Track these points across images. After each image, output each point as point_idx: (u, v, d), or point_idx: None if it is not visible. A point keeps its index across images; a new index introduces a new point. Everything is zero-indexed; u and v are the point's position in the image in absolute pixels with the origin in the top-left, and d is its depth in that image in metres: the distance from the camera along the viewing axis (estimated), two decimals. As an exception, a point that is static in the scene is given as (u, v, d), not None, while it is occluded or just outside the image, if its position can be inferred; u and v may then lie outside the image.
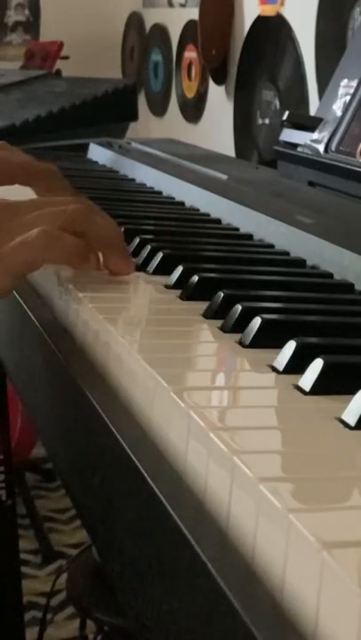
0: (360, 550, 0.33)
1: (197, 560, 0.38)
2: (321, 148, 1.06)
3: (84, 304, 0.63)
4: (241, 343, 0.57)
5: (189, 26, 3.23)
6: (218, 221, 0.93)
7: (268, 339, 0.56)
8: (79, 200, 0.69)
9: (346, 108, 1.05)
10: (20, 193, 0.91)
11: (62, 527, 2.37)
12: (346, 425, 0.45)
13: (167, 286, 0.69)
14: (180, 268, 0.70)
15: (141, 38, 3.71)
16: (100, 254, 0.69)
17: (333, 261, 0.73)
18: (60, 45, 3.35)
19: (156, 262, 0.73)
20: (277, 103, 2.57)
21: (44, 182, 0.93)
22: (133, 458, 0.46)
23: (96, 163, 1.34)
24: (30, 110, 2.36)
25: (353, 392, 0.46)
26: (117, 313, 0.62)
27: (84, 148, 1.42)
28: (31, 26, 3.93)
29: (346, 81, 1.08)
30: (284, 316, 0.60)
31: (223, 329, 0.60)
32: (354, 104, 1.04)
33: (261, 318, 0.57)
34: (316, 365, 0.49)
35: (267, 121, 2.64)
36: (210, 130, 3.10)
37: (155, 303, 0.66)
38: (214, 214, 0.95)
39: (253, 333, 0.56)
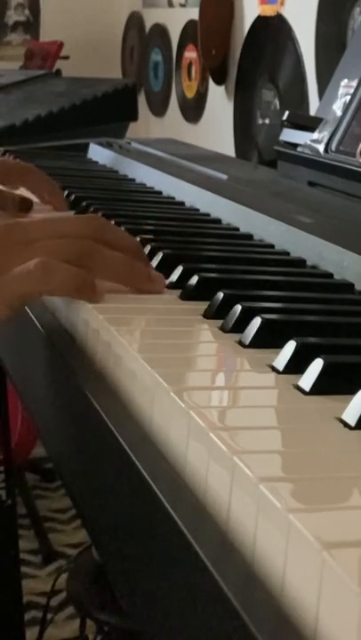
0: (360, 550, 0.33)
1: (197, 560, 0.38)
2: (321, 148, 1.06)
3: (84, 304, 0.63)
4: (241, 343, 0.57)
5: (189, 26, 3.23)
6: (218, 221, 0.93)
7: (268, 339, 0.56)
8: (92, 219, 0.67)
9: (346, 108, 1.05)
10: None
11: (62, 527, 2.37)
12: (346, 425, 0.45)
13: (167, 286, 0.69)
14: (180, 268, 0.70)
15: (141, 38, 3.71)
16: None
17: (333, 261, 0.73)
18: (60, 45, 3.35)
19: (157, 262, 0.73)
20: (277, 103, 2.57)
21: (28, 180, 0.94)
22: (133, 458, 0.46)
23: (96, 163, 1.34)
24: (30, 110, 2.36)
25: (353, 392, 0.46)
26: (117, 313, 0.62)
27: (84, 147, 1.42)
28: (31, 26, 3.94)
29: (346, 81, 1.08)
30: (284, 315, 0.60)
31: (223, 329, 0.60)
32: (354, 104, 1.04)
33: (261, 318, 0.57)
34: (316, 365, 0.49)
35: (267, 121, 2.64)
36: (210, 130, 3.10)
37: (155, 303, 0.66)
38: (214, 214, 0.95)
39: (253, 333, 0.56)
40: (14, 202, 0.89)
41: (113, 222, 0.82)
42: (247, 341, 0.56)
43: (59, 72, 3.09)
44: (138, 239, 0.78)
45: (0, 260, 0.61)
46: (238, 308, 0.60)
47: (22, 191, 0.95)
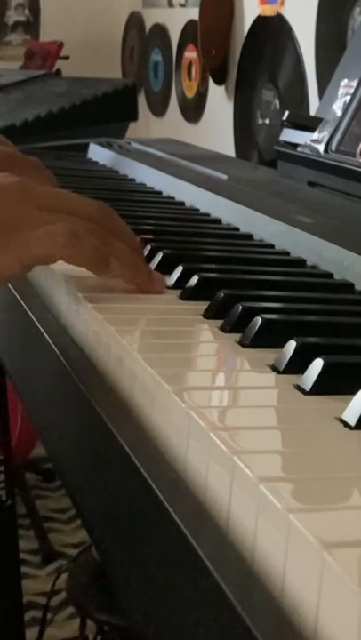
0: (360, 550, 0.33)
1: (197, 560, 0.38)
2: (321, 148, 1.06)
3: (84, 304, 0.63)
4: (241, 343, 0.57)
5: (189, 26, 3.23)
6: (218, 221, 0.93)
7: (268, 339, 0.56)
8: (102, 207, 0.67)
9: (346, 108, 1.05)
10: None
11: (62, 527, 2.37)
12: (346, 425, 0.45)
13: (167, 286, 0.69)
14: (180, 268, 0.70)
15: (141, 38, 3.71)
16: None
17: (333, 261, 0.73)
18: (60, 45, 3.35)
19: (157, 262, 0.73)
20: (277, 103, 2.57)
21: (30, 173, 0.94)
22: (133, 458, 0.46)
23: (96, 163, 1.34)
24: (30, 110, 2.36)
25: (353, 392, 0.46)
26: (117, 313, 0.62)
27: (84, 147, 1.42)
28: (31, 26, 3.93)
29: (346, 81, 1.08)
30: (284, 315, 0.60)
31: (223, 329, 0.60)
32: (354, 104, 1.04)
33: (261, 318, 0.57)
34: (317, 365, 0.49)
35: (267, 121, 2.64)
36: (210, 130, 3.10)
37: (155, 303, 0.66)
38: (214, 214, 0.95)
39: (253, 333, 0.56)
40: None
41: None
42: (247, 341, 0.56)
43: (59, 72, 3.09)
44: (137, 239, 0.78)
45: (14, 217, 0.61)
46: (238, 307, 0.60)
47: None
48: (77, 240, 0.61)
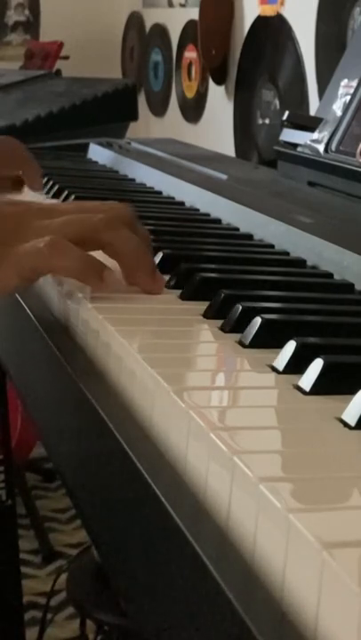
0: (360, 550, 0.33)
1: (197, 560, 0.38)
2: (321, 148, 1.06)
3: (83, 304, 0.63)
4: (241, 343, 0.57)
5: (189, 26, 3.23)
6: (218, 221, 0.93)
7: (268, 339, 0.56)
8: (116, 207, 0.68)
9: (346, 108, 1.05)
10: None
11: (62, 527, 2.37)
12: (346, 425, 0.45)
13: (167, 286, 0.69)
14: (180, 268, 0.70)
15: (141, 38, 3.71)
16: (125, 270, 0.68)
17: (333, 261, 0.73)
18: (60, 45, 3.35)
19: (157, 262, 0.73)
20: (277, 103, 2.57)
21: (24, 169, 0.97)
22: (133, 458, 0.46)
23: (96, 163, 1.34)
24: (30, 110, 2.36)
25: (353, 392, 0.46)
26: (117, 313, 0.62)
27: (84, 147, 1.42)
28: (31, 26, 3.93)
29: (346, 81, 1.08)
30: (284, 315, 0.60)
31: (223, 329, 0.60)
32: (354, 104, 1.04)
33: (261, 318, 0.57)
34: (316, 365, 0.49)
35: (267, 121, 2.64)
36: (210, 130, 3.10)
37: (155, 303, 0.66)
38: (214, 214, 0.95)
39: (253, 333, 0.56)
40: (9, 180, 0.93)
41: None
42: (247, 341, 0.56)
43: (59, 72, 3.09)
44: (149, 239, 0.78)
45: (19, 234, 0.63)
46: (238, 308, 0.60)
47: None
48: (58, 253, 0.62)
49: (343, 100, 1.07)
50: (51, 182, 1.09)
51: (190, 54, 3.25)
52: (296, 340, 0.53)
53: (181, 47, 3.33)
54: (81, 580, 1.43)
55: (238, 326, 0.58)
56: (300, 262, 0.77)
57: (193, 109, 3.26)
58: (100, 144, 1.40)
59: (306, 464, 0.41)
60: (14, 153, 0.99)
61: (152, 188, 1.12)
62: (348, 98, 1.05)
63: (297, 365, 0.51)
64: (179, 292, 0.67)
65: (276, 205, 0.90)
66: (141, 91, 3.52)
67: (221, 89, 3.00)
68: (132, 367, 0.53)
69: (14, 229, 0.64)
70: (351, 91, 1.06)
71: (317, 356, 0.50)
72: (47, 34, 3.77)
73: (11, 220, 0.65)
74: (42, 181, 1.05)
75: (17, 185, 0.99)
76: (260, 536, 0.37)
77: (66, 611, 1.94)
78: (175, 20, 3.38)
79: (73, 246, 0.63)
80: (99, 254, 0.66)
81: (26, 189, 1.00)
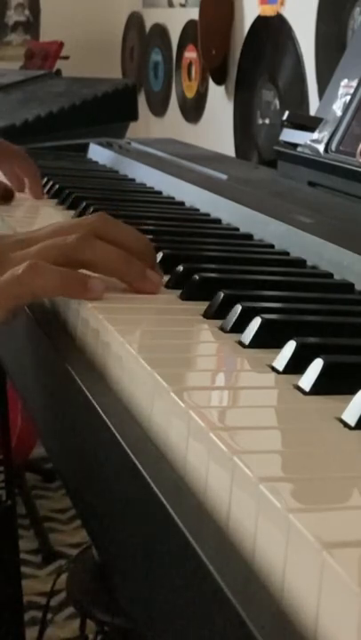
0: (360, 550, 0.33)
1: (197, 560, 0.38)
2: (321, 148, 1.06)
3: (84, 304, 0.63)
4: (241, 343, 0.57)
5: (189, 26, 3.23)
6: (218, 221, 0.93)
7: (268, 339, 0.56)
8: (87, 222, 0.67)
9: (346, 108, 1.05)
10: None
11: (62, 527, 2.37)
12: (346, 425, 0.45)
13: (167, 286, 0.69)
14: (180, 268, 0.70)
15: (141, 38, 3.71)
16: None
17: (333, 261, 0.73)
18: (60, 45, 3.35)
19: (157, 262, 0.73)
20: (277, 103, 2.57)
21: (14, 164, 0.97)
22: (133, 458, 0.46)
23: (96, 163, 1.34)
24: (30, 110, 2.36)
25: (353, 392, 0.46)
26: (117, 313, 0.62)
27: (84, 147, 1.42)
28: (31, 26, 3.93)
29: (346, 81, 1.08)
30: (284, 315, 0.60)
31: (223, 329, 0.60)
32: (354, 104, 1.04)
33: (261, 318, 0.57)
34: (316, 365, 0.49)
35: (267, 121, 2.64)
36: (210, 130, 3.10)
37: (155, 303, 0.66)
38: (214, 214, 0.95)
39: (253, 333, 0.56)
40: None
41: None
42: (247, 341, 0.56)
43: (59, 72, 3.09)
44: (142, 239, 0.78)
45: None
46: (238, 308, 0.60)
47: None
48: (38, 274, 0.62)
49: (343, 99, 1.07)
50: (51, 182, 1.09)
51: (190, 54, 3.25)
52: (296, 340, 0.53)
53: (181, 47, 3.33)
54: (81, 579, 1.43)
55: (238, 326, 0.58)
56: (300, 262, 0.77)
57: (193, 109, 3.26)
58: (100, 144, 1.40)
59: (306, 464, 0.41)
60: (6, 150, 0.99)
61: (152, 188, 1.12)
62: (348, 98, 1.05)
63: (297, 365, 0.51)
64: (179, 292, 0.67)
65: (276, 205, 0.90)
66: (141, 91, 3.52)
67: (221, 89, 3.00)
68: (132, 367, 0.53)
69: None
70: (351, 91, 1.06)
71: (317, 356, 0.50)
72: (47, 34, 3.77)
73: None
74: (41, 185, 1.05)
75: (6, 196, 0.98)
76: (260, 536, 0.37)
77: (66, 611, 1.94)
78: (175, 20, 3.38)
79: (50, 265, 0.63)
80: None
81: (15, 200, 1.00)
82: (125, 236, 0.67)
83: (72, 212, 0.96)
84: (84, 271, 0.65)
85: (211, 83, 3.07)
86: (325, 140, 1.05)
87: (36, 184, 1.03)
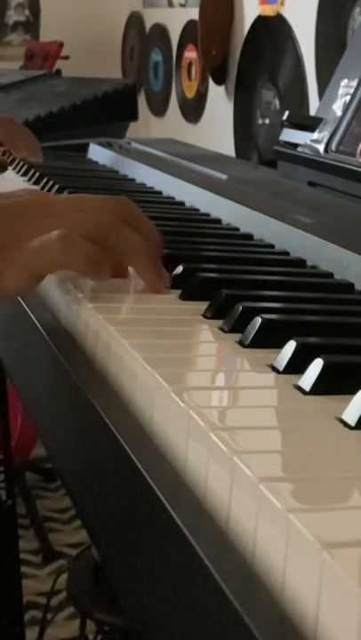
0: (360, 550, 0.33)
1: (197, 560, 0.38)
2: (321, 148, 1.06)
3: (84, 304, 0.63)
4: (241, 343, 0.57)
5: (189, 26, 3.23)
6: (218, 221, 0.93)
7: (268, 339, 0.56)
8: (120, 206, 0.67)
9: (346, 108, 1.05)
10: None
11: (62, 527, 2.37)
12: (346, 425, 0.45)
13: (167, 286, 0.69)
14: (180, 268, 0.70)
15: (141, 38, 3.71)
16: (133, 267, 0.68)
17: (333, 261, 0.73)
18: (60, 45, 3.35)
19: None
20: (277, 103, 2.57)
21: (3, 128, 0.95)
22: (133, 458, 0.46)
23: (96, 163, 1.34)
24: (30, 110, 2.36)
25: (353, 392, 0.46)
26: (117, 313, 0.62)
27: (84, 147, 1.42)
28: (31, 26, 3.94)
29: (346, 81, 1.08)
30: (284, 315, 0.60)
31: (223, 329, 0.60)
32: (354, 104, 1.04)
33: (261, 318, 0.57)
34: (316, 365, 0.49)
35: (267, 121, 2.64)
36: (210, 130, 3.10)
37: (155, 303, 0.66)
38: (214, 214, 0.95)
39: (253, 333, 0.56)
40: None
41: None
42: (247, 341, 0.56)
43: (59, 72, 3.09)
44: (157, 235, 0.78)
45: (23, 230, 0.62)
46: (238, 308, 0.60)
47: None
48: (69, 246, 0.62)
49: (343, 99, 1.07)
50: (51, 182, 1.09)
51: (190, 54, 3.25)
52: (296, 340, 0.53)
53: (181, 47, 3.33)
54: (81, 580, 1.43)
55: (238, 326, 0.58)
56: (300, 262, 0.77)
57: (193, 109, 3.25)
58: (100, 144, 1.40)
59: (306, 464, 0.41)
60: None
61: (152, 188, 1.11)
62: (348, 98, 1.05)
63: (297, 365, 0.51)
64: (179, 292, 0.67)
65: (276, 205, 0.90)
66: (141, 91, 3.52)
67: (221, 89, 3.00)
68: (132, 367, 0.53)
69: (15, 225, 0.63)
70: (351, 91, 1.06)
71: (317, 356, 0.50)
72: (47, 34, 3.77)
73: (10, 214, 0.64)
74: (40, 150, 1.01)
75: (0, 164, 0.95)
76: (260, 536, 0.37)
77: (66, 611, 1.94)
78: (175, 19, 3.38)
79: (84, 240, 0.62)
80: None
81: (7, 172, 0.97)
82: (148, 229, 0.68)
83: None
84: None
85: (211, 83, 3.07)
86: (325, 140, 1.05)
87: (32, 147, 0.99)
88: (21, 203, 0.65)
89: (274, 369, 0.52)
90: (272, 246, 0.82)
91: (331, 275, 0.73)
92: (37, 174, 1.11)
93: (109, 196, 0.69)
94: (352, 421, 0.45)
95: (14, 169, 1.19)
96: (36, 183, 1.10)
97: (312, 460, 0.41)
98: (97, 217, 0.65)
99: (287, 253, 0.80)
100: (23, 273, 0.62)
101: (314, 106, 2.28)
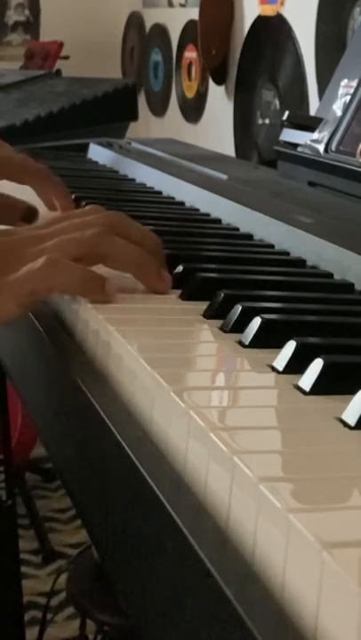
0: (360, 550, 0.33)
1: (198, 560, 0.38)
2: (321, 148, 1.06)
3: (84, 304, 0.63)
4: (241, 343, 0.57)
5: (189, 26, 3.23)
6: (218, 221, 0.93)
7: (268, 339, 0.56)
8: (105, 217, 0.68)
9: (346, 108, 1.05)
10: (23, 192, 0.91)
11: (62, 527, 2.37)
12: (346, 425, 0.45)
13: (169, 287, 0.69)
14: (180, 268, 0.70)
15: (141, 38, 3.71)
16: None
17: (333, 261, 0.73)
18: (60, 45, 3.35)
19: (165, 263, 0.73)
20: (277, 103, 2.57)
21: (40, 183, 0.94)
22: (133, 458, 0.46)
23: (96, 163, 1.34)
24: (30, 110, 2.36)
25: (353, 392, 0.46)
26: (117, 313, 0.62)
27: (84, 147, 1.42)
28: (31, 26, 3.93)
29: (346, 81, 1.08)
30: (284, 315, 0.60)
31: (223, 329, 0.60)
32: (354, 104, 1.04)
33: (261, 318, 0.57)
34: (316, 365, 0.49)
35: (267, 121, 2.64)
36: (210, 130, 3.10)
37: (155, 303, 0.66)
38: (214, 214, 0.95)
39: (253, 333, 0.56)
40: (19, 210, 0.89)
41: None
42: (247, 341, 0.56)
43: (59, 72, 3.08)
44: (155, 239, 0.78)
45: (11, 263, 0.62)
46: (238, 308, 0.60)
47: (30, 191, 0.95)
48: (58, 270, 0.62)
49: (343, 99, 1.07)
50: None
51: (190, 54, 3.25)
52: (296, 340, 0.53)
53: (181, 47, 3.33)
54: (81, 579, 1.43)
55: (238, 326, 0.58)
56: (300, 262, 0.77)
57: (193, 109, 3.25)
58: (100, 144, 1.40)
59: (306, 464, 0.41)
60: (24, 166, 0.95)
61: (152, 188, 1.11)
62: (348, 98, 1.05)
63: (297, 365, 0.51)
64: (179, 292, 0.67)
65: (276, 205, 0.90)
66: (141, 91, 3.52)
67: (221, 89, 3.00)
68: (132, 367, 0.53)
69: (5, 259, 0.63)
70: (351, 91, 1.06)
71: (317, 356, 0.50)
72: (47, 34, 3.77)
73: (1, 250, 0.64)
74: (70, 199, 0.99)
75: (28, 216, 0.93)
76: (260, 536, 0.37)
77: (66, 611, 1.94)
78: (175, 19, 3.38)
79: (70, 262, 0.62)
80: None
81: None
82: (140, 235, 0.68)
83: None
84: (99, 267, 0.65)
85: (211, 83, 3.07)
86: (325, 140, 1.05)
87: (67, 204, 0.99)
88: (13, 239, 0.66)
89: (274, 369, 0.52)
90: (272, 246, 0.82)
91: (331, 275, 0.73)
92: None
93: (98, 213, 0.69)
94: (352, 421, 0.45)
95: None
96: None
97: (312, 460, 0.41)
98: (82, 233, 0.65)
99: (287, 253, 0.80)
100: (12, 302, 0.62)
101: (314, 106, 2.28)
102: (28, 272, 0.61)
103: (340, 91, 1.08)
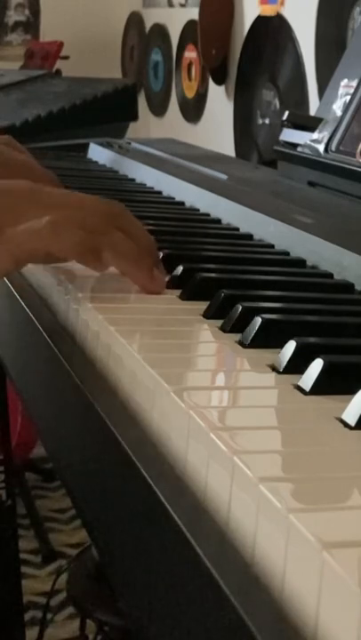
0: (360, 550, 0.33)
1: (197, 560, 0.38)
2: (321, 147, 1.06)
3: (84, 304, 0.63)
4: (241, 343, 0.57)
5: (189, 26, 3.23)
6: (218, 221, 0.93)
7: (268, 339, 0.56)
8: (114, 204, 0.68)
9: (346, 108, 1.05)
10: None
11: (62, 527, 2.37)
12: (346, 425, 0.45)
13: (167, 286, 0.69)
14: (180, 268, 0.70)
15: (141, 38, 3.71)
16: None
17: (333, 261, 0.73)
18: (60, 45, 3.35)
19: (160, 262, 0.73)
20: (277, 103, 2.57)
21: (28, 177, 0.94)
22: (133, 458, 0.46)
23: (96, 163, 1.34)
24: (30, 110, 2.36)
25: (353, 392, 0.46)
26: (117, 313, 0.62)
27: (84, 147, 1.42)
28: (31, 26, 3.93)
29: (346, 81, 1.08)
30: (284, 315, 0.60)
31: (223, 329, 0.60)
32: (354, 104, 1.04)
33: (261, 318, 0.57)
34: (316, 365, 0.49)
35: (267, 121, 2.64)
36: (210, 130, 3.10)
37: (155, 303, 0.66)
38: (214, 214, 0.95)
39: (253, 333, 0.56)
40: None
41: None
42: (247, 341, 0.56)
43: (59, 72, 3.08)
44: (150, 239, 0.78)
45: (17, 214, 0.62)
46: (238, 308, 0.60)
47: None
48: (58, 232, 0.62)
49: (343, 99, 1.07)
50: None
51: (190, 54, 3.25)
52: (296, 340, 0.53)
53: (181, 47, 3.33)
54: (81, 579, 1.43)
55: (238, 326, 0.58)
56: (300, 262, 0.77)
57: (193, 109, 3.25)
58: (100, 144, 1.40)
59: (306, 464, 0.41)
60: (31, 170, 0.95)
61: (152, 188, 1.11)
62: (348, 98, 1.05)
63: (297, 365, 0.51)
64: (179, 292, 0.67)
65: (276, 205, 0.90)
66: (141, 91, 3.52)
67: (221, 89, 3.00)
68: (132, 367, 0.53)
69: (9, 208, 0.63)
70: (351, 91, 1.06)
71: (317, 356, 0.50)
72: (47, 34, 3.77)
73: (6, 198, 0.64)
74: None
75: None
76: (260, 536, 0.37)
77: (66, 611, 1.94)
78: (175, 19, 3.38)
79: (74, 228, 0.62)
80: None
81: None
82: (138, 232, 0.68)
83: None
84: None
85: (211, 83, 3.07)
86: (325, 140, 1.05)
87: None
88: (21, 188, 0.65)
89: (274, 369, 0.52)
90: (272, 246, 0.82)
91: (331, 275, 0.73)
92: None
93: (104, 199, 0.69)
94: (352, 421, 0.45)
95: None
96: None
97: (312, 460, 0.41)
98: (87, 216, 0.65)
99: (287, 253, 0.80)
100: (9, 256, 0.62)
101: (314, 106, 2.28)
102: (29, 229, 0.61)
103: (340, 91, 1.08)
